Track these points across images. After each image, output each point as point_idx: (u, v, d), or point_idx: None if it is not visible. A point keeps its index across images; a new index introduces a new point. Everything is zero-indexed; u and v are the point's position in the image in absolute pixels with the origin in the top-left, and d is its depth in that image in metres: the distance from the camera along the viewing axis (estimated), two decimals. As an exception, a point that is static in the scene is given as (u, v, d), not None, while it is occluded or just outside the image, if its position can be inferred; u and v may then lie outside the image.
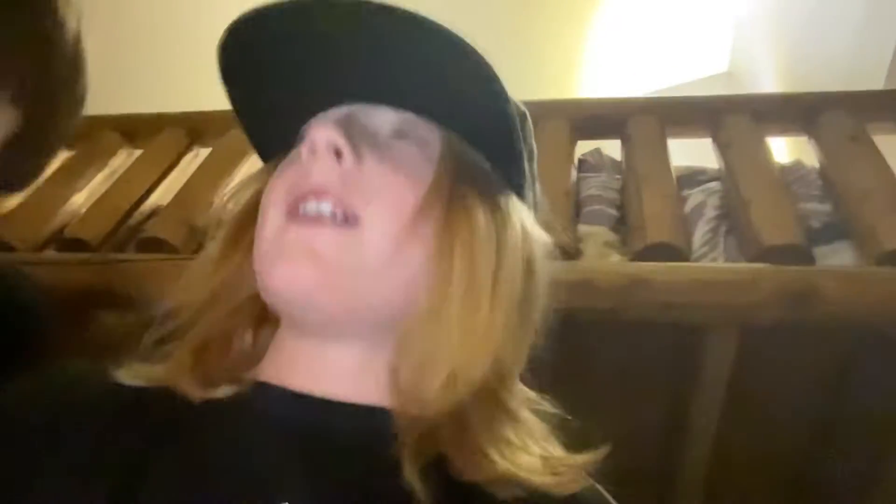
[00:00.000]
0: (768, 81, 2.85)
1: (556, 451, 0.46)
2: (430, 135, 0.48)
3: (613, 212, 1.16)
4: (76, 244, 1.19)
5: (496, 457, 0.42)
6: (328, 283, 0.42)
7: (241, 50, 0.47)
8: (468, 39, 0.42)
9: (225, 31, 0.46)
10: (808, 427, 1.14)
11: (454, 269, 0.43)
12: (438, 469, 0.41)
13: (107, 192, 1.32)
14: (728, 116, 1.27)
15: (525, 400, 0.47)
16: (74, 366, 0.49)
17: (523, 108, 0.52)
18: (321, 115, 0.49)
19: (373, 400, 0.44)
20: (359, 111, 0.49)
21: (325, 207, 0.44)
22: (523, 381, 0.49)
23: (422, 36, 0.42)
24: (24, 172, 0.65)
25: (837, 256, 1.01)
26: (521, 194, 0.49)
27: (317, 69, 0.47)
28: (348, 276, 0.43)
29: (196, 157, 1.42)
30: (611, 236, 1.10)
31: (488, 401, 0.44)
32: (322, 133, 0.44)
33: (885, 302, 0.92)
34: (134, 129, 1.47)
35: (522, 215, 0.49)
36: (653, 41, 3.43)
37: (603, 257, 1.07)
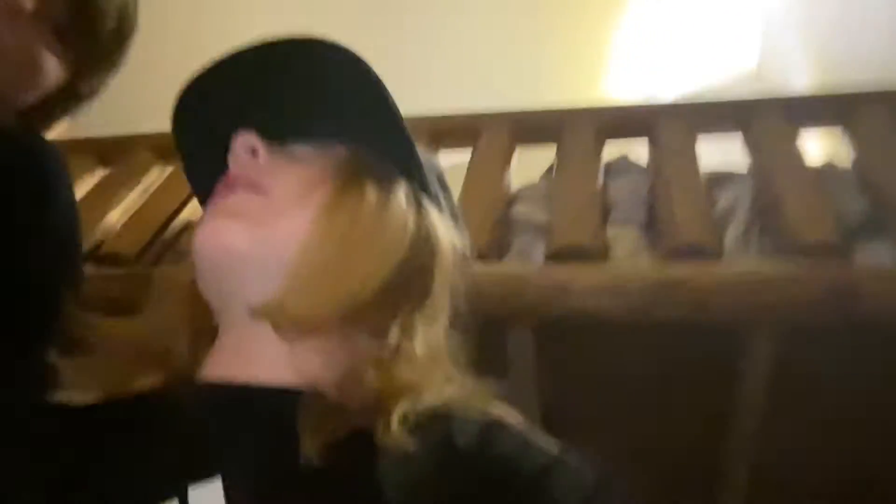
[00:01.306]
0: (799, 78, 2.79)
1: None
2: (338, 146, 0.56)
3: (642, 214, 1.14)
4: (113, 258, 1.22)
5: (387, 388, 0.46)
6: (244, 230, 0.49)
7: (179, 125, 0.59)
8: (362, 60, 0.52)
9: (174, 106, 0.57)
10: (853, 432, 1.10)
11: (338, 222, 0.50)
12: (353, 444, 0.43)
13: (141, 208, 1.34)
14: (758, 115, 1.25)
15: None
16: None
17: (430, 159, 0.61)
18: None
19: (297, 382, 0.48)
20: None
21: (240, 190, 0.52)
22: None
23: (326, 72, 0.53)
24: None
25: (875, 254, 0.98)
26: (426, 191, 0.56)
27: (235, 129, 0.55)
28: (260, 223, 0.50)
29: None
30: (640, 238, 1.09)
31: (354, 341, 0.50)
32: (240, 138, 0.53)
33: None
34: (167, 146, 1.49)
35: (418, 202, 0.55)
36: (679, 41, 3.39)
37: (632, 259, 1.05)
